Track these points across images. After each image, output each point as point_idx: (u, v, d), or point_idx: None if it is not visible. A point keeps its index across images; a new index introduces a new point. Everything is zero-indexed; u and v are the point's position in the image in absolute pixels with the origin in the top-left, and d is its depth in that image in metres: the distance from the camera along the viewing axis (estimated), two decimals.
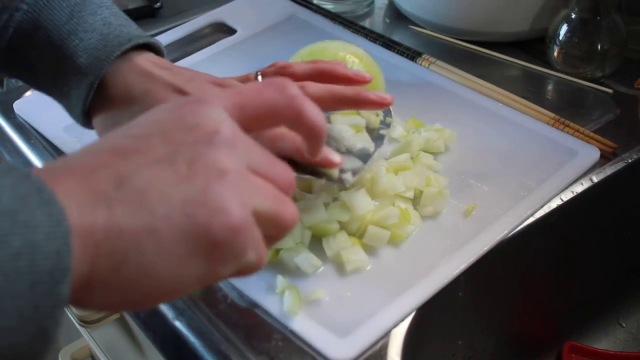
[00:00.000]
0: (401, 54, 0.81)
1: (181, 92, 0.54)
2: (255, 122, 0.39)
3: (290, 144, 0.52)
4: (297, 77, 0.57)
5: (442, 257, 0.56)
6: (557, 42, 0.78)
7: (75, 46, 0.55)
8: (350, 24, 0.86)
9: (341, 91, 0.55)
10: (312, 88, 0.54)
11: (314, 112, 0.41)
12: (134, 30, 0.57)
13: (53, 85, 0.57)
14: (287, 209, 0.38)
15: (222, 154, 0.35)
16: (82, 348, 0.84)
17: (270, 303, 0.53)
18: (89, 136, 0.68)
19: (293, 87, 0.40)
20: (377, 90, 0.71)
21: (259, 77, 0.59)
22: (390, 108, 0.63)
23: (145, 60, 0.56)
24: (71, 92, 0.56)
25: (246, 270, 0.37)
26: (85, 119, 0.57)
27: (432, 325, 0.56)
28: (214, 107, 0.37)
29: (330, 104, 0.55)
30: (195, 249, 0.34)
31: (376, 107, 0.57)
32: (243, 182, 0.35)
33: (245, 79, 0.58)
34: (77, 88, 0.55)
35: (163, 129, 0.36)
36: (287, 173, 0.39)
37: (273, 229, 0.38)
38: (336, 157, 0.51)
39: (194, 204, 0.34)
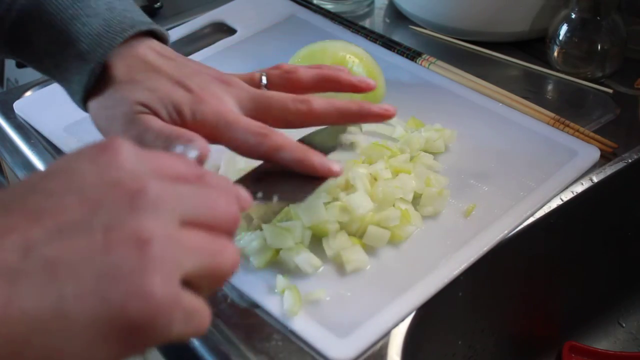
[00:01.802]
0: (401, 54, 0.81)
1: (183, 86, 0.53)
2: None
3: (290, 155, 0.52)
4: (302, 83, 0.58)
5: (442, 257, 0.56)
6: (557, 42, 0.78)
7: (77, 31, 0.54)
8: (350, 24, 0.86)
9: (345, 106, 0.55)
10: (317, 104, 0.54)
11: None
12: (137, 16, 0.56)
13: (55, 69, 0.56)
14: (225, 258, 0.34)
15: (145, 220, 0.31)
16: None
17: (270, 303, 0.53)
18: (90, 136, 0.69)
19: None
20: (376, 89, 0.71)
21: (264, 79, 0.58)
22: None
23: (148, 48, 0.55)
24: (73, 77, 0.55)
25: (181, 339, 0.33)
26: (86, 104, 0.56)
27: (432, 325, 0.56)
28: (135, 158, 0.33)
29: (335, 119, 0.56)
30: (109, 333, 0.30)
31: (380, 119, 0.57)
32: (169, 249, 0.31)
33: (249, 79, 0.58)
34: (79, 73, 0.54)
35: (80, 185, 0.32)
36: (229, 208, 0.36)
37: (210, 282, 0.34)
38: (336, 166, 0.52)
39: (108, 284, 0.30)
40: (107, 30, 0.54)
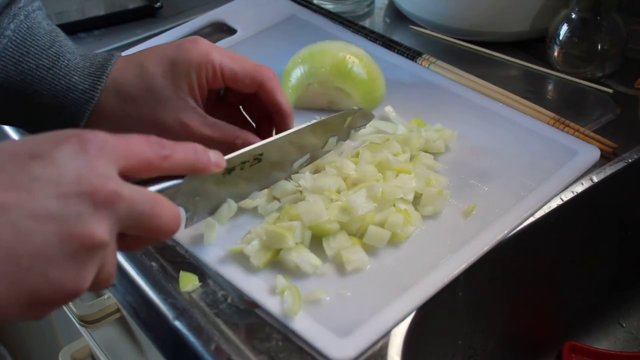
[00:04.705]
0: (401, 54, 0.81)
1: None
2: (134, 172, 0.42)
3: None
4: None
5: (442, 257, 0.56)
6: (557, 42, 0.78)
7: (66, 66, 0.58)
8: (350, 24, 0.86)
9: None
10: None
11: (182, 160, 0.45)
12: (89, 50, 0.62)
13: (40, 108, 0.58)
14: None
15: (98, 224, 0.38)
16: (82, 348, 0.84)
17: (270, 303, 0.53)
18: None
19: (168, 148, 0.44)
20: (376, 89, 0.71)
21: None
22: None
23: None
24: (64, 111, 0.58)
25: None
26: None
27: (432, 325, 0.56)
28: (107, 163, 0.40)
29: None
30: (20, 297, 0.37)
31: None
32: (105, 257, 0.39)
33: None
34: (73, 104, 0.58)
35: (59, 178, 0.38)
36: (170, 218, 0.42)
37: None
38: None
39: (42, 272, 0.37)
40: (90, 63, 0.59)
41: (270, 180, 0.60)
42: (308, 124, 0.60)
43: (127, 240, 0.43)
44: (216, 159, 0.48)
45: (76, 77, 0.58)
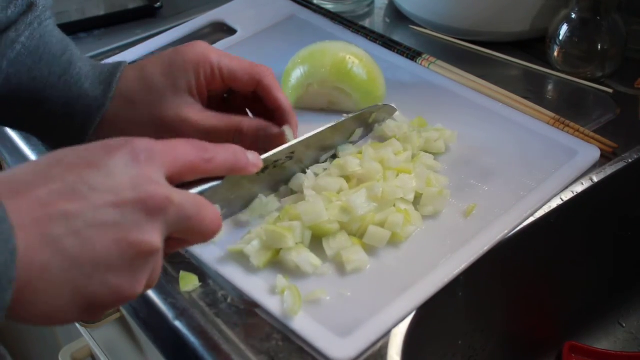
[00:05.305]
0: (401, 54, 0.81)
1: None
2: (180, 176, 0.44)
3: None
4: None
5: (442, 257, 0.56)
6: (558, 42, 0.78)
7: (77, 74, 0.58)
8: (350, 24, 0.86)
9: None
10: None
11: (223, 161, 0.47)
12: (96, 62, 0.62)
13: (50, 116, 0.59)
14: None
15: (153, 231, 0.39)
16: (82, 348, 0.84)
17: (270, 303, 0.53)
18: None
19: (211, 151, 0.46)
20: (376, 89, 0.71)
21: None
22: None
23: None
24: (75, 118, 0.58)
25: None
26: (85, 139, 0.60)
27: (432, 325, 0.56)
28: (156, 170, 0.41)
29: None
30: (78, 304, 0.38)
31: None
32: (156, 262, 0.41)
33: None
34: (84, 112, 0.58)
35: (115, 186, 0.39)
36: (212, 220, 0.44)
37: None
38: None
39: (103, 279, 0.38)
40: (100, 71, 0.59)
41: (291, 174, 0.61)
42: (337, 121, 0.62)
43: (170, 242, 0.43)
44: (254, 159, 0.50)
45: (87, 85, 0.59)
